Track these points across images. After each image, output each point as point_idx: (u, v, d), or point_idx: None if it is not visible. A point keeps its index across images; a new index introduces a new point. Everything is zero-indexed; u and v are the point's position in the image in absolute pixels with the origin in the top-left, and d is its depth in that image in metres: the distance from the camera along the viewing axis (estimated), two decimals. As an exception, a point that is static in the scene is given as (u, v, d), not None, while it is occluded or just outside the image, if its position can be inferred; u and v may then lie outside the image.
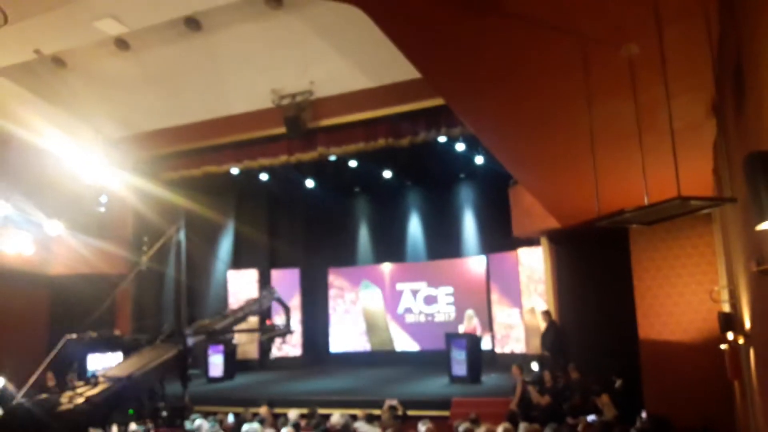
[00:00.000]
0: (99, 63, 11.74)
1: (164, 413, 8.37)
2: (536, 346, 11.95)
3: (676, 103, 4.43)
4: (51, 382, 10.80)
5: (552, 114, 5.42)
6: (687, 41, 4.18)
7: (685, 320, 9.67)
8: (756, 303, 4.29)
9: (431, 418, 8.62)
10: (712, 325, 8.03)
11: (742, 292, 5.36)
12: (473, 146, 12.39)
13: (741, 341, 5.88)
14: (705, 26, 4.04)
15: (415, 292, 16.71)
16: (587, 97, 4.53)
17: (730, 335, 6.43)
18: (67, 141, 12.00)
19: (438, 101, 9.96)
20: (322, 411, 9.68)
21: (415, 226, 17.05)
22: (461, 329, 14.80)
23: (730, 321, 6.53)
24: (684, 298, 9.70)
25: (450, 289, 16.27)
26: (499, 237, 14.12)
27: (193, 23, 10.56)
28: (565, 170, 6.88)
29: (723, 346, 6.91)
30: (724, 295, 7.68)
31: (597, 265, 11.35)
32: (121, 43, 11.07)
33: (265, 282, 16.94)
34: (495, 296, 15.00)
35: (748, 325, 5.09)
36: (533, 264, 13.12)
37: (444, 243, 16.31)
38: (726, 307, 7.49)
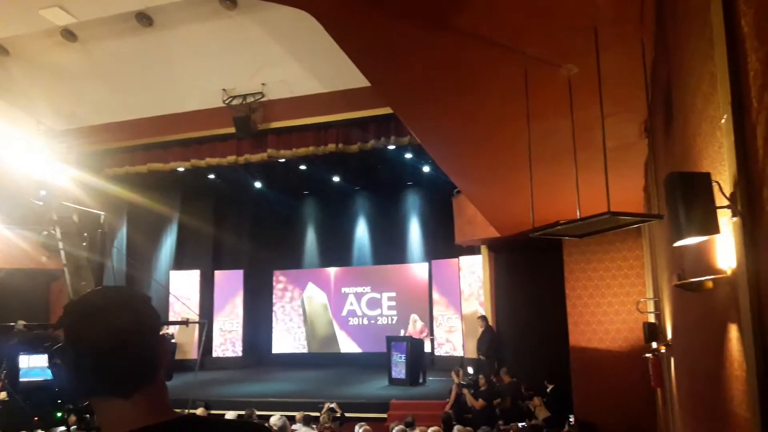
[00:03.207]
0: (44, 53, 11.32)
1: (88, 416, 8.04)
2: (474, 350, 12.14)
3: (610, 122, 4.60)
4: None
5: (494, 128, 5.54)
6: (623, 65, 4.35)
7: (613, 329, 9.99)
8: (677, 315, 4.48)
9: (369, 421, 8.65)
10: (638, 334, 8.33)
11: (666, 304, 5.58)
12: (421, 155, 12.51)
13: (663, 350, 6.12)
14: (640, 52, 4.22)
15: (359, 296, 16.72)
16: (528, 113, 4.64)
17: (653, 345, 6.69)
18: (7, 131, 11.52)
19: (389, 110, 10.03)
20: (260, 413, 9.56)
21: (361, 231, 17.08)
22: (404, 332, 14.88)
23: (654, 331, 6.79)
24: (613, 308, 10.04)
25: (393, 294, 16.36)
26: (443, 244, 14.33)
27: (144, 18, 10.31)
28: (505, 182, 7.04)
29: (647, 355, 7.18)
30: (650, 306, 7.97)
31: (533, 273, 11.66)
32: (69, 34, 10.71)
33: (208, 283, 16.66)
34: (436, 301, 15.16)
35: (669, 335, 5.30)
36: (474, 271, 13.33)
37: (389, 249, 16.41)
38: (651, 318, 7.78)
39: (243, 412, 9.46)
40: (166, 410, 1.22)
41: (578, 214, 4.07)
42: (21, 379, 5.23)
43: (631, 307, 9.46)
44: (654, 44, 4.26)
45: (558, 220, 4.12)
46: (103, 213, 12.67)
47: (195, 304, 16.22)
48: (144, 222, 15.29)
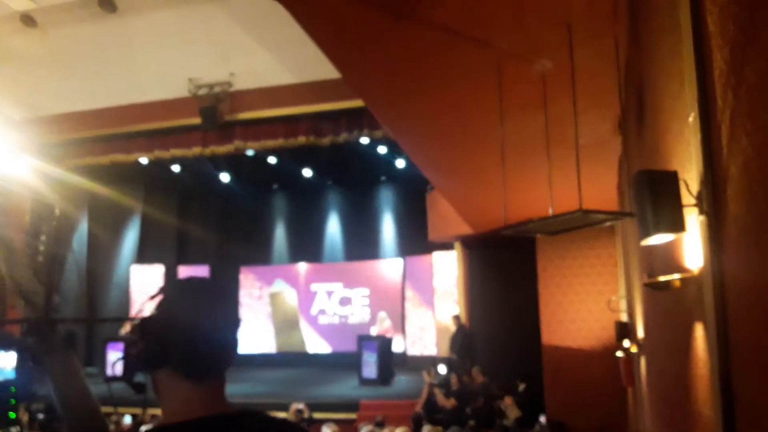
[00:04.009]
0: (3, 39, 11.06)
1: (40, 416, 7.93)
2: (448, 348, 12.22)
3: (584, 119, 4.66)
4: None
5: (467, 123, 5.58)
6: (597, 61, 4.41)
7: (585, 328, 10.14)
8: (647, 314, 4.56)
9: (338, 421, 8.65)
10: (611, 333, 8.47)
11: (637, 303, 5.68)
12: (394, 149, 12.52)
13: (635, 350, 6.23)
14: (614, 49, 4.28)
15: (330, 293, 16.69)
16: (501, 108, 4.68)
17: (625, 344, 6.80)
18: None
19: (361, 102, 10.03)
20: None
21: (333, 227, 17.04)
22: (374, 331, 14.91)
23: (626, 330, 6.91)
24: (585, 306, 10.18)
25: (365, 291, 16.35)
26: (416, 240, 14.36)
27: (107, 4, 10.13)
28: (478, 178, 7.09)
29: (618, 354, 7.30)
30: (623, 305, 8.11)
31: (506, 271, 11.77)
32: (28, 19, 10.49)
33: (172, 279, 16.46)
34: (409, 299, 15.20)
35: (640, 334, 5.40)
36: (447, 268, 13.40)
37: (361, 244, 16.39)
38: (623, 317, 7.91)
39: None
40: (225, 402, 1.27)
41: (550, 211, 4.12)
42: None
43: (604, 305, 9.61)
44: (627, 41, 4.32)
45: (531, 217, 4.17)
46: (55, 205, 12.48)
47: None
48: (106, 215, 15.08)
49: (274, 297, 17.09)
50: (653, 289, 2.55)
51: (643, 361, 5.47)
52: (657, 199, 1.92)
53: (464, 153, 6.31)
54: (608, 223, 5.43)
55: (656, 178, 1.96)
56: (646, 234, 2.00)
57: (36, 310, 12.40)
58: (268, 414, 1.33)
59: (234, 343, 1.29)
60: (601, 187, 7.43)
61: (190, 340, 1.20)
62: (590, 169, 5.55)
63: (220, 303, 1.29)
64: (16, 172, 12.20)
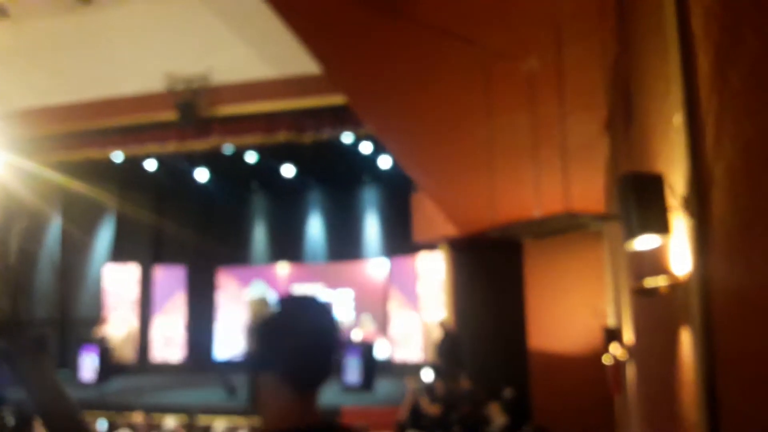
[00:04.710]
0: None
1: (10, 420, 7.85)
2: (432, 352, 12.24)
3: (571, 120, 4.71)
4: None
5: (453, 122, 5.61)
6: (584, 61, 4.46)
7: (572, 333, 10.22)
8: (635, 319, 4.62)
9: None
10: (598, 339, 8.54)
11: (625, 308, 5.75)
12: (379, 148, 12.52)
13: (623, 356, 6.29)
14: (601, 49, 4.33)
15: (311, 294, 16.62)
16: (487, 108, 4.72)
17: (613, 350, 6.86)
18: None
19: (344, 99, 10.04)
20: (202, 419, 9.47)
21: (315, 227, 17.00)
22: (356, 334, 14.88)
23: (614, 336, 6.97)
24: (573, 311, 10.26)
25: (348, 292, 16.31)
26: (400, 241, 14.37)
27: (81, -5, 10.06)
28: (464, 179, 7.13)
29: (606, 361, 7.36)
30: (610, 310, 8.18)
31: (493, 274, 11.81)
32: (0, 11, 10.39)
33: (147, 279, 16.37)
34: (394, 301, 15.21)
35: (628, 340, 5.46)
36: (432, 270, 13.44)
37: (344, 245, 16.37)
38: (611, 323, 7.99)
39: (184, 418, 9.35)
40: (319, 413, 1.40)
41: (536, 213, 4.16)
42: None
43: (591, 311, 9.69)
44: (615, 42, 4.38)
45: (517, 218, 4.21)
46: (27, 201, 12.37)
47: (133, 301, 15.97)
48: (80, 212, 14.93)
49: (252, 299, 16.99)
50: (641, 294, 2.58)
51: (630, 367, 5.53)
52: (642, 201, 1.96)
53: (450, 153, 6.34)
54: (595, 228, 5.48)
55: (642, 181, 2.00)
56: (632, 237, 2.03)
57: (3, 312, 12.27)
58: (351, 428, 1.51)
59: (335, 357, 1.45)
60: (588, 190, 7.50)
61: (302, 350, 1.36)
62: (577, 171, 5.60)
63: (330, 323, 1.44)
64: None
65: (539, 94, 4.56)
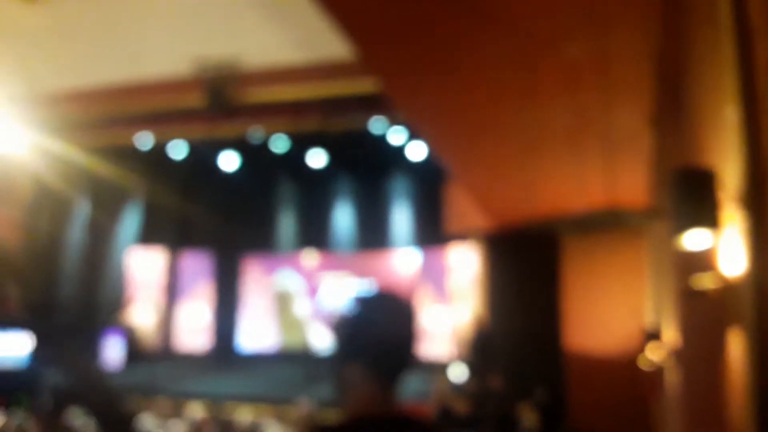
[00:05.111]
0: (2, 12, 11.16)
1: (48, 403, 8.08)
2: (463, 349, 12.20)
3: (614, 110, 4.65)
4: None
5: (492, 110, 5.56)
6: (630, 50, 4.39)
7: (610, 334, 10.11)
8: (680, 321, 4.55)
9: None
10: (637, 340, 8.45)
11: (670, 311, 5.66)
12: (409, 136, 12.50)
13: (663, 359, 6.21)
14: (648, 38, 4.26)
15: (338, 285, 16.72)
16: (528, 96, 4.68)
17: (654, 353, 6.78)
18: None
19: (377, 85, 10.02)
20: (228, 410, 9.62)
21: (342, 215, 17.04)
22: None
23: (654, 338, 6.89)
24: (611, 311, 10.14)
25: (376, 283, 16.35)
26: (430, 232, 14.36)
27: (111, -25, 10.18)
28: (502, 168, 7.06)
29: (645, 364, 7.27)
30: (650, 311, 8.08)
31: (529, 269, 11.65)
32: (29, -8, 10.56)
33: (172, 266, 16.63)
34: (423, 293, 15.20)
35: (673, 344, 5.38)
36: (465, 263, 13.40)
37: (372, 235, 16.39)
38: (652, 325, 7.88)
39: (209, 408, 9.49)
40: (398, 403, 1.52)
41: (578, 209, 4.12)
42: None
43: (631, 311, 9.58)
44: (662, 30, 4.30)
45: (557, 211, 4.18)
46: (55, 184, 12.60)
47: (158, 287, 16.25)
48: (106, 196, 15.19)
49: (278, 288, 17.17)
50: (688, 295, 2.55)
51: (672, 371, 5.46)
52: (693, 197, 1.93)
53: (488, 142, 6.29)
54: (637, 224, 5.41)
55: (693, 175, 1.97)
56: (681, 234, 2.01)
57: (34, 292, 12.58)
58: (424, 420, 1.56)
59: (414, 354, 1.54)
60: (630, 184, 7.38)
61: (384, 344, 1.48)
62: (619, 163, 5.53)
63: (409, 319, 1.54)
64: (17, 150, 12.33)
65: (582, 84, 4.51)
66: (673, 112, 4.08)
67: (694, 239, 2.01)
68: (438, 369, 10.84)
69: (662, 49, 4.38)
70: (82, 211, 15.02)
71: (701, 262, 2.67)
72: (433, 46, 4.58)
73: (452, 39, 4.42)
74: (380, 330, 1.48)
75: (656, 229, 6.75)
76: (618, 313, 10.05)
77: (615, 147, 4.45)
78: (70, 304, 14.12)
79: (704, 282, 2.24)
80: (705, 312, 2.82)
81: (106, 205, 15.34)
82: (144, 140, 13.01)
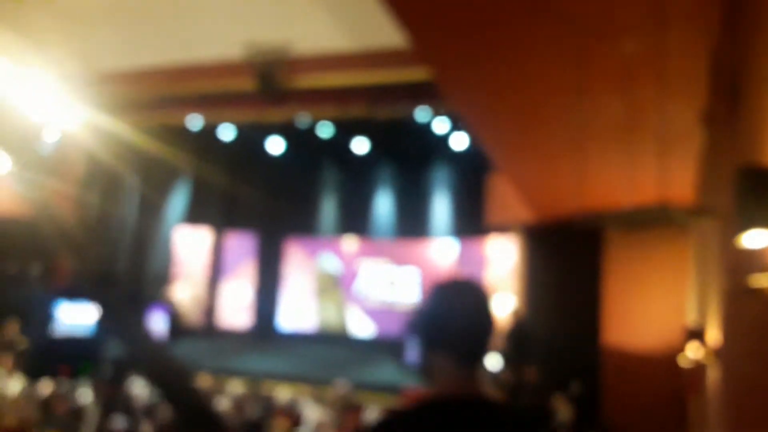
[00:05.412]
0: (63, -6, 11.44)
1: (108, 371, 8.36)
2: (500, 341, 12.17)
3: (667, 107, 4.58)
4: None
5: (542, 102, 5.52)
6: (686, 46, 4.31)
7: (650, 331, 9.99)
8: (728, 319, 4.48)
9: (381, 406, 8.81)
10: (677, 338, 8.34)
11: (714, 308, 5.57)
12: (453, 126, 12.47)
13: (705, 357, 6.12)
14: (705, 33, 4.18)
15: (377, 271, 16.83)
16: (580, 89, 4.64)
17: (694, 351, 6.69)
18: (18, 72, 11.69)
19: (423, 75, 10.01)
20: (267, 388, 9.79)
21: (383, 202, 17.11)
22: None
23: (696, 336, 6.79)
24: (652, 308, 10.01)
25: (414, 270, 16.42)
26: (470, 223, 14.34)
27: (167, -40, 10.34)
28: (550, 161, 7.00)
29: (685, 361, 7.18)
30: (693, 309, 7.95)
31: (569, 263, 11.55)
32: (86, -27, 10.80)
33: (218, 245, 16.94)
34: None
35: (716, 342, 5.30)
36: (503, 255, 13.36)
37: (412, 223, 16.43)
38: (693, 322, 7.76)
39: (248, 385, 9.68)
40: (480, 386, 1.62)
41: (627, 204, 4.09)
42: (59, 329, 5.44)
43: (672, 309, 9.44)
44: (721, 26, 4.21)
45: (605, 206, 4.15)
46: (107, 161, 12.91)
47: (203, 265, 16.58)
48: (155, 175, 15.52)
49: (318, 271, 17.35)
50: (742, 293, 2.53)
51: (714, 369, 5.39)
52: (757, 197, 1.91)
53: (537, 134, 6.24)
54: (684, 222, 5.33)
55: (758, 174, 1.95)
56: (742, 232, 1.99)
57: (92, 264, 12.92)
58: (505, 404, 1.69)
59: (490, 340, 1.63)
60: (677, 181, 7.26)
61: (468, 331, 1.59)
62: (668, 160, 5.45)
63: (486, 305, 1.64)
64: (71, 126, 12.66)
65: (636, 78, 4.45)
66: (728, 111, 4.01)
67: (753, 238, 1.99)
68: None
69: (720, 46, 4.30)
70: (132, 188, 15.36)
71: (757, 261, 2.64)
72: (488, 38, 4.57)
73: (508, 31, 4.40)
74: (461, 319, 1.58)
75: (703, 227, 6.63)
76: (659, 309, 9.91)
77: (666, 143, 4.38)
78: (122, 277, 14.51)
79: (761, 281, 2.22)
80: (757, 311, 2.79)
81: (156, 183, 15.66)
82: (194, 122, 13.22)
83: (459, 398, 1.54)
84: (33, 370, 7.06)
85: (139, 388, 8.17)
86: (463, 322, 1.58)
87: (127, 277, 14.77)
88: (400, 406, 1.78)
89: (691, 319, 8.08)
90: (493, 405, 1.58)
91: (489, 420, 1.54)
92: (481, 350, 1.61)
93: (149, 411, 7.53)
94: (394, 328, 14.73)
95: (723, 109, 4.31)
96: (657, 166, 4.16)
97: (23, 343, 10.11)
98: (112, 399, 7.24)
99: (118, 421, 6.40)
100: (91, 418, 5.56)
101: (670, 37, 4.05)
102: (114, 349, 8.88)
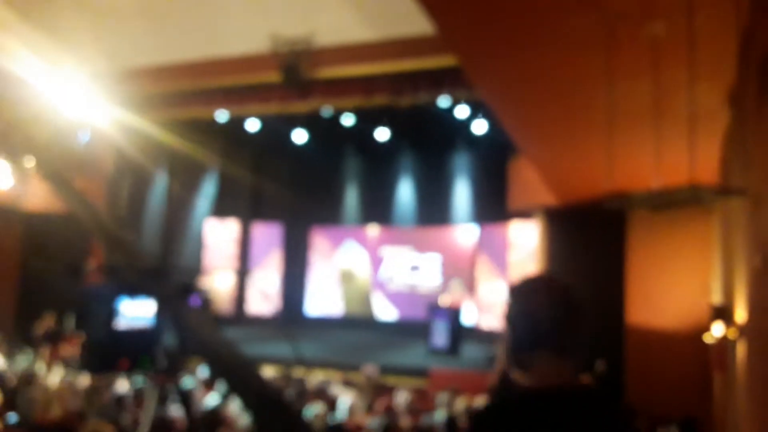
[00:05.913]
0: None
1: (163, 361, 8.46)
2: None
3: (695, 88, 4.56)
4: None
5: (570, 85, 5.51)
6: (714, 28, 4.29)
7: (674, 310, 9.97)
8: (755, 296, 4.49)
9: (409, 388, 8.89)
10: (700, 316, 8.32)
11: (739, 286, 5.57)
12: (474, 112, 12.44)
13: (731, 334, 6.12)
14: (734, 15, 4.15)
15: (400, 257, 16.91)
16: (608, 72, 4.63)
17: (719, 328, 6.68)
18: (49, 70, 11.85)
19: (444, 62, 10.00)
20: (298, 372, 9.90)
21: (406, 190, 17.17)
22: (445, 299, 15.05)
23: (721, 314, 6.78)
24: (676, 287, 9.98)
25: (436, 257, 16.48)
26: (491, 208, 14.35)
27: (193, -44, 10.41)
28: (577, 145, 6.98)
29: (709, 338, 7.17)
30: (718, 288, 7.93)
31: (592, 244, 11.51)
32: (114, -29, 10.90)
33: (245, 235, 17.12)
34: (483, 268, 15.24)
35: (742, 319, 5.30)
36: (525, 238, 13.35)
37: (434, 209, 16.48)
38: (718, 300, 7.75)
39: (281, 370, 9.81)
40: (577, 377, 1.69)
41: (655, 185, 4.09)
42: (121, 323, 5.57)
43: (696, 287, 9.41)
44: (750, 8, 4.18)
45: (629, 189, 4.15)
46: (136, 156, 13.08)
47: (231, 256, 16.77)
48: (184, 169, 15.68)
49: (343, 259, 17.48)
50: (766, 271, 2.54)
51: (741, 347, 5.40)
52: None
53: (565, 117, 6.23)
54: (711, 202, 5.32)
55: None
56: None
57: (127, 259, 13.11)
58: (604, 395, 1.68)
59: (582, 331, 1.69)
60: (704, 161, 7.23)
61: (559, 329, 1.65)
62: (695, 141, 5.42)
63: (574, 299, 1.71)
64: (100, 123, 12.82)
65: (664, 61, 4.43)
66: (757, 91, 3.99)
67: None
68: (499, 339, 10.88)
69: (749, 26, 4.27)
70: (161, 182, 15.54)
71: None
72: (516, 24, 4.57)
73: (534, 15, 4.41)
74: (553, 314, 1.65)
75: (729, 207, 6.60)
76: (684, 288, 9.88)
77: (694, 124, 4.37)
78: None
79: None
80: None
81: (185, 177, 15.83)
82: (221, 115, 13.32)
83: (560, 389, 1.60)
84: (94, 365, 7.23)
85: (189, 382, 8.31)
86: (555, 317, 1.65)
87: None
88: (499, 396, 1.92)
89: (716, 297, 8.05)
90: (593, 395, 1.65)
91: (591, 411, 1.59)
92: (574, 342, 1.66)
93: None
94: (418, 312, 14.81)
95: (751, 90, 4.29)
96: (685, 147, 4.16)
97: (80, 336, 10.32)
98: (167, 389, 7.35)
99: (173, 410, 6.53)
100: (148, 408, 5.67)
101: (698, 19, 4.03)
102: (169, 340, 9.02)
